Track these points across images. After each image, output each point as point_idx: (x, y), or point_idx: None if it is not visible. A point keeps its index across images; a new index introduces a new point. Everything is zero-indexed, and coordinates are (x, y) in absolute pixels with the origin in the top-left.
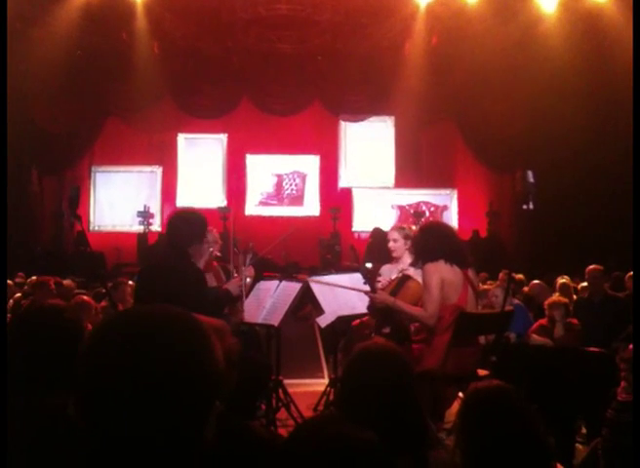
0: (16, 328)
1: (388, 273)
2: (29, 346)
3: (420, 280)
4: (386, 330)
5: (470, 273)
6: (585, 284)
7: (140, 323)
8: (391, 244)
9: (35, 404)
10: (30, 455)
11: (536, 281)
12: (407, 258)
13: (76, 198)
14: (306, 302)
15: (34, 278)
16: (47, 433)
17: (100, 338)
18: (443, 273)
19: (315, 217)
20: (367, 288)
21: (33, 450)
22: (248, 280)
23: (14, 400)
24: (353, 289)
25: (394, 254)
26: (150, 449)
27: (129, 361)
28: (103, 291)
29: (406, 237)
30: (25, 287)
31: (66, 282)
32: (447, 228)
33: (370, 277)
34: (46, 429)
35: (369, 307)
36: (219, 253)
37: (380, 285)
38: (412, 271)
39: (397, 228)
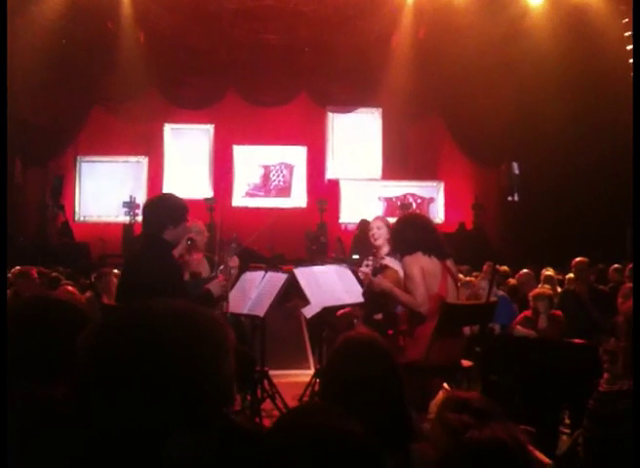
0: (16, 318)
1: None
2: (29, 337)
3: (397, 269)
4: (378, 316)
5: (449, 263)
6: (571, 275)
7: (145, 321)
8: (375, 231)
9: (33, 395)
10: (26, 447)
11: (524, 270)
12: (386, 248)
13: (59, 188)
14: (292, 295)
15: (17, 268)
16: (42, 424)
17: (105, 334)
18: (422, 263)
19: (302, 209)
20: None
21: (29, 442)
22: (232, 270)
23: (11, 391)
24: (354, 272)
25: (378, 243)
26: (145, 445)
27: (131, 358)
28: (88, 282)
29: (388, 226)
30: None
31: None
32: (424, 220)
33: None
34: (41, 420)
35: (364, 293)
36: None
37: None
38: (388, 260)
39: (379, 218)
